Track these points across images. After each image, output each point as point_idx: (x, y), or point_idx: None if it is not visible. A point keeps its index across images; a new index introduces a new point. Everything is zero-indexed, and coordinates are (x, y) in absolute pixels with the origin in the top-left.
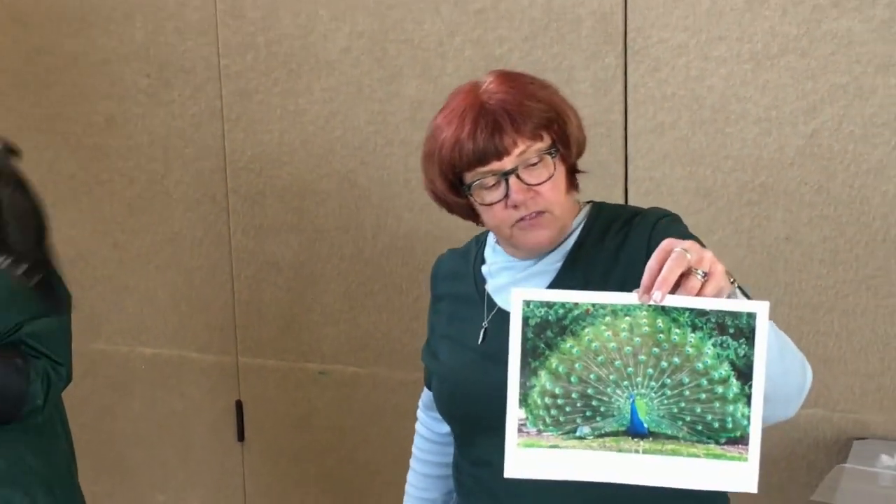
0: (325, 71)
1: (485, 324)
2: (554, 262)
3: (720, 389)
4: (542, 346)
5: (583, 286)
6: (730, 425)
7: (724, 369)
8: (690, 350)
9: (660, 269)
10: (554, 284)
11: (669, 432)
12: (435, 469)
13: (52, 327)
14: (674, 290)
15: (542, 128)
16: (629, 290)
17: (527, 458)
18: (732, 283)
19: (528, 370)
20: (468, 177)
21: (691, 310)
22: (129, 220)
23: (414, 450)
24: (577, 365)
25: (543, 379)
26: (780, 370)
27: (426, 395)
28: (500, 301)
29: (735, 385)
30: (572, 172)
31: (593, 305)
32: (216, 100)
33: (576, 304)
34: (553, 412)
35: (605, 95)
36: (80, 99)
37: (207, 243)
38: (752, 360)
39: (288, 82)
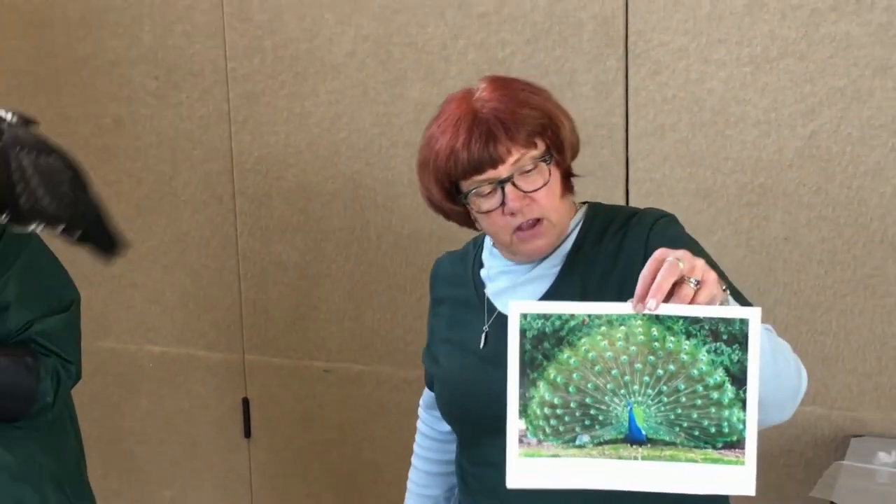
0: (331, 74)
1: (486, 328)
2: (552, 267)
3: (715, 395)
4: (540, 357)
5: (581, 289)
6: (726, 430)
7: (719, 375)
8: (685, 357)
9: (653, 279)
10: (553, 288)
11: (667, 438)
12: (436, 466)
13: (62, 326)
14: (667, 299)
15: (535, 135)
16: (628, 290)
17: (528, 467)
18: (724, 290)
19: (526, 381)
20: (464, 185)
21: (685, 317)
22: (138, 221)
23: (415, 447)
24: (574, 375)
25: (542, 390)
26: (773, 375)
27: (427, 395)
28: (500, 305)
29: (730, 390)
30: (567, 176)
31: (589, 316)
32: (223, 102)
33: (572, 315)
34: (553, 422)
35: (607, 98)
36: (89, 101)
37: (215, 244)
38: (745, 366)
39: (294, 85)
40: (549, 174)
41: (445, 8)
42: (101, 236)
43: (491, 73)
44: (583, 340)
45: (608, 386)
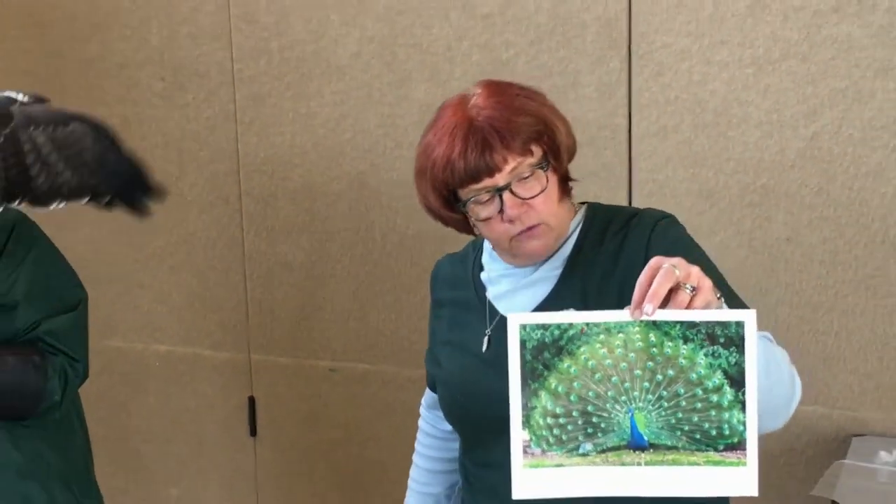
0: (336, 75)
1: (488, 331)
2: (553, 269)
3: (715, 398)
4: (541, 367)
5: (582, 292)
6: (727, 432)
7: (718, 378)
8: (684, 362)
9: (649, 285)
10: (554, 291)
11: (669, 443)
12: (438, 464)
13: (69, 325)
14: (664, 306)
15: (531, 141)
16: (628, 293)
17: (533, 478)
18: (719, 298)
19: (528, 392)
20: (462, 193)
21: (682, 322)
22: (145, 221)
23: (417, 445)
24: (575, 384)
25: (544, 399)
26: (765, 384)
27: (429, 396)
28: (502, 308)
29: (729, 392)
30: (565, 180)
31: (587, 325)
32: (230, 103)
33: (570, 324)
34: (555, 431)
35: (610, 99)
36: (96, 102)
37: (221, 244)
38: (743, 368)
39: (300, 86)
40: (547, 180)
41: (450, 9)
42: (136, 191)
43: (487, 78)
44: (582, 349)
45: (609, 393)
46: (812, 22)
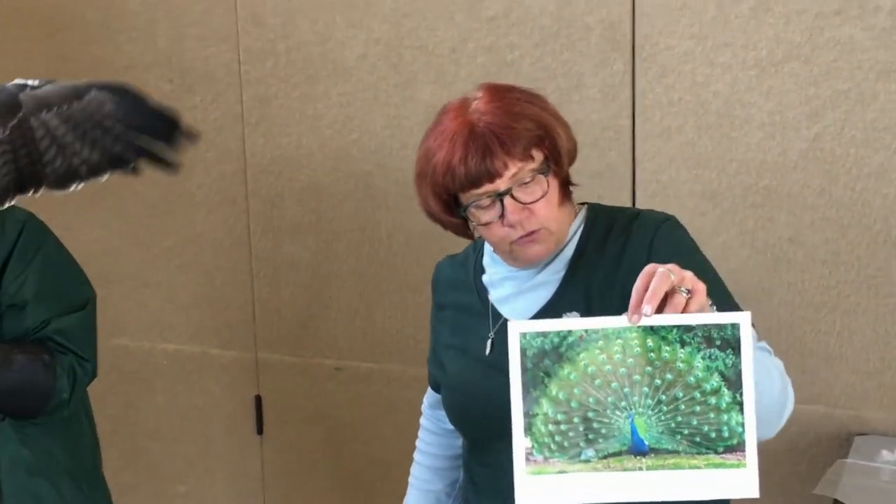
0: (343, 77)
1: (491, 335)
2: (556, 273)
3: (713, 400)
4: (542, 374)
5: (585, 295)
6: (726, 434)
7: (715, 380)
8: (681, 365)
9: (646, 290)
10: (557, 294)
11: (670, 447)
12: (440, 461)
13: (78, 324)
14: (660, 310)
15: (532, 147)
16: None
17: (536, 485)
18: (711, 305)
19: (530, 399)
20: (463, 198)
21: (678, 326)
22: (153, 221)
23: (418, 443)
24: (575, 390)
25: (545, 406)
26: (755, 392)
27: (431, 395)
28: (506, 312)
29: (727, 394)
30: (565, 184)
31: (586, 331)
32: (237, 105)
33: (569, 331)
34: (557, 438)
35: (614, 101)
36: None
37: (228, 244)
38: (740, 369)
39: (306, 88)
40: (548, 185)
41: (455, 12)
42: (165, 144)
43: (489, 81)
44: (581, 355)
45: (609, 399)
46: (815, 24)
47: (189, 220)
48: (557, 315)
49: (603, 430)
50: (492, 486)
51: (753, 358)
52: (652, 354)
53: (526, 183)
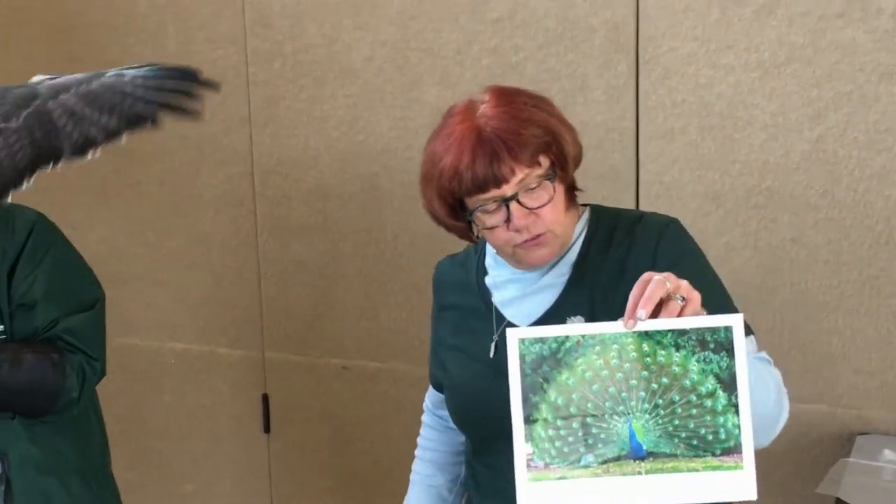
0: (349, 78)
1: (495, 337)
2: (560, 276)
3: (709, 403)
4: (541, 380)
5: (590, 298)
6: (723, 436)
7: (710, 383)
8: (677, 369)
9: (642, 296)
10: (562, 298)
11: (668, 451)
12: (442, 457)
13: (87, 323)
14: (655, 316)
15: (539, 153)
16: None
17: (537, 491)
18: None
19: (530, 405)
20: (469, 202)
21: (673, 330)
22: (161, 222)
23: (420, 440)
24: (574, 395)
25: (545, 412)
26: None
27: (433, 394)
28: (509, 315)
29: (722, 397)
30: (571, 189)
31: (583, 337)
32: (244, 106)
33: (567, 336)
34: (557, 443)
35: (618, 102)
36: None
37: (236, 244)
38: (734, 371)
39: (313, 89)
40: (554, 190)
41: (460, 14)
42: (185, 94)
43: (495, 84)
44: (579, 361)
45: (607, 404)
46: (817, 27)
47: (197, 220)
48: (562, 318)
49: (602, 435)
50: (493, 487)
51: (748, 363)
52: (648, 359)
53: (532, 188)
